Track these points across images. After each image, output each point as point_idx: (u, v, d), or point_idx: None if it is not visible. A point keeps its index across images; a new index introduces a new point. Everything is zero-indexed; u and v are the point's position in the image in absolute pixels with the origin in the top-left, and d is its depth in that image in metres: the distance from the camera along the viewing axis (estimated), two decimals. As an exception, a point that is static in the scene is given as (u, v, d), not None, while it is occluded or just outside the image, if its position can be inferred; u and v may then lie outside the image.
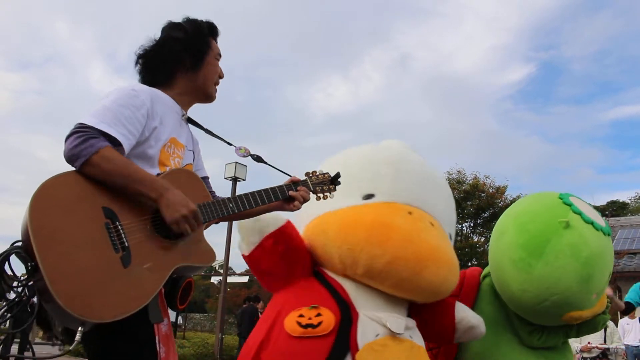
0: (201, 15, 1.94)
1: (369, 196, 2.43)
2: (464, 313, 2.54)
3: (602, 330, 5.42)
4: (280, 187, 1.90)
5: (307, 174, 2.02)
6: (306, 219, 2.53)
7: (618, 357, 5.44)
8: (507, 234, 2.84)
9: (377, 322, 2.16)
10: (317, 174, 2.05)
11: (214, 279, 25.99)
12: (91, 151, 1.45)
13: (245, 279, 27.69)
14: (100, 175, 1.48)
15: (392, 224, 2.23)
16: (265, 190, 1.86)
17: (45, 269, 1.29)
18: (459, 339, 2.53)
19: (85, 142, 1.46)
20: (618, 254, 14.81)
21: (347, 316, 2.14)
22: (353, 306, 2.18)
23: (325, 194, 2.03)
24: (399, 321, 2.21)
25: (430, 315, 2.45)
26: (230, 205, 1.74)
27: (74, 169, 1.49)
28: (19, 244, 1.37)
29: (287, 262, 2.30)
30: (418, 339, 2.30)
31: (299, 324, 2.08)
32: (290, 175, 2.00)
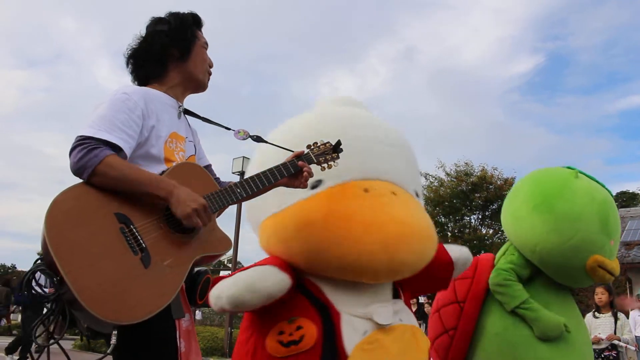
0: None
1: (316, 184, 2.15)
2: (458, 253, 2.44)
3: (613, 322, 5.40)
4: (284, 164, 1.88)
5: (308, 146, 2.00)
6: (261, 216, 2.32)
7: (629, 350, 5.39)
8: (522, 190, 3.04)
9: (362, 318, 2.00)
10: (318, 144, 2.01)
11: (223, 274, 26.17)
12: (96, 161, 1.49)
13: (253, 273, 27.78)
14: (107, 184, 1.52)
15: (348, 213, 2.01)
16: (271, 170, 1.85)
17: (72, 282, 1.34)
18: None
19: (89, 154, 1.50)
20: (628, 245, 14.69)
21: (329, 320, 1.96)
22: (333, 307, 2.00)
23: (330, 163, 2.00)
24: (385, 310, 2.04)
25: (425, 272, 2.20)
26: (238, 190, 1.75)
27: (81, 180, 1.53)
28: (41, 259, 1.43)
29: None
30: (408, 318, 2.17)
31: (281, 343, 1.92)
32: (292, 151, 1.97)
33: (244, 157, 13.42)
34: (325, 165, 2.00)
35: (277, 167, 1.86)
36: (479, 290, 2.87)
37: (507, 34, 75.91)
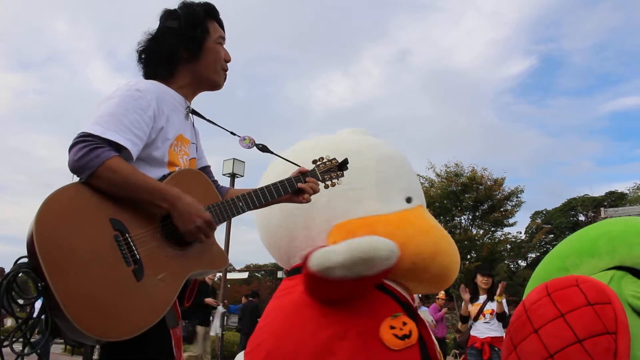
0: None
1: (409, 199, 2.46)
2: None
3: None
4: (289, 180, 1.82)
5: (314, 162, 1.92)
6: (342, 215, 2.39)
7: None
8: None
9: (422, 317, 2.28)
10: (325, 160, 1.94)
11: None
12: (97, 162, 1.40)
13: (245, 275, 27.73)
14: (107, 187, 1.43)
15: (446, 232, 2.42)
16: (275, 184, 1.78)
17: (58, 292, 1.25)
18: None
19: (90, 153, 1.40)
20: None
21: (415, 317, 2.18)
22: (414, 307, 2.24)
23: (334, 180, 1.93)
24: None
25: None
26: (240, 204, 1.69)
27: (77, 180, 1.44)
28: (24, 259, 1.32)
29: (370, 284, 2.17)
30: None
31: (397, 336, 2.06)
32: (298, 166, 1.90)
33: (234, 159, 13.39)
34: (329, 183, 1.92)
35: (281, 182, 1.80)
36: (625, 318, 2.10)
37: (501, 36, 76.36)
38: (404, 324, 2.11)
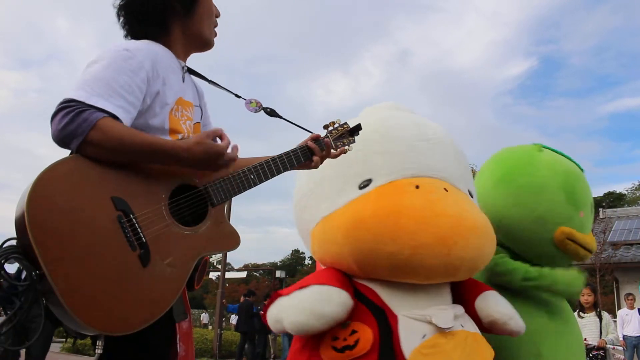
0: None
1: (366, 183, 2.09)
2: (485, 303, 2.14)
3: (598, 323, 5.42)
4: (302, 149, 1.66)
5: (325, 127, 1.77)
6: (310, 223, 2.21)
7: (616, 349, 5.46)
8: (486, 168, 2.96)
9: (421, 320, 1.90)
10: (336, 125, 1.77)
11: (212, 275, 25.98)
12: (87, 127, 1.23)
13: (243, 274, 27.72)
14: (103, 154, 1.27)
15: (398, 208, 1.92)
16: (287, 154, 1.62)
17: (56, 282, 1.12)
18: (490, 331, 2.16)
19: (77, 118, 1.24)
20: (615, 245, 14.83)
21: (385, 323, 1.88)
22: (389, 309, 1.92)
23: (345, 147, 1.78)
24: (445, 314, 1.93)
25: (465, 295, 2.17)
26: (252, 177, 1.53)
27: (68, 153, 1.29)
28: (12, 242, 1.19)
29: None
30: (470, 326, 2.03)
31: (335, 348, 1.84)
32: (309, 131, 1.75)
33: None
34: (340, 150, 1.79)
35: (294, 152, 1.64)
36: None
37: (501, 37, 76.76)
38: (352, 332, 1.85)
